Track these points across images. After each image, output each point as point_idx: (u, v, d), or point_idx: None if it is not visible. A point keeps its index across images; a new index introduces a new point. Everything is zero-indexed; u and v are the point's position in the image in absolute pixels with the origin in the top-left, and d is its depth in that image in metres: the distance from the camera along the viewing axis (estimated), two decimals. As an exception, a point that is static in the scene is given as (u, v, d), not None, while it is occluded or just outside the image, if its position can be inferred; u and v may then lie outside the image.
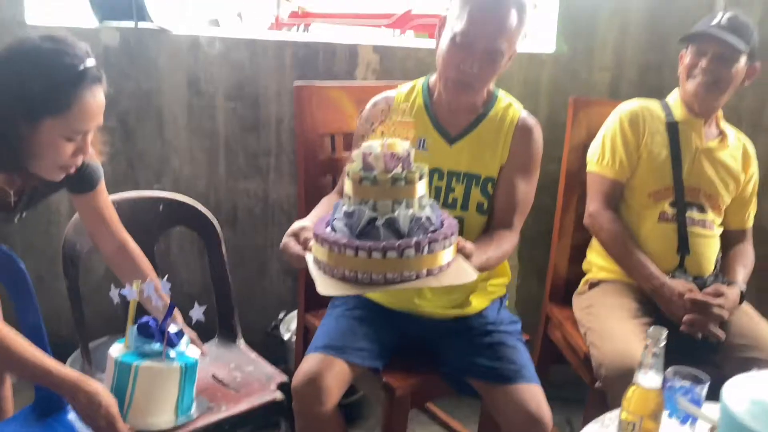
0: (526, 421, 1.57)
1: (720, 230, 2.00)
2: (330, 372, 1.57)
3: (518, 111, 1.75)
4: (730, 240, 2.04)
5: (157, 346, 1.39)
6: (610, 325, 1.81)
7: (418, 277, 1.22)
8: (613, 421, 1.29)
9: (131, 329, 1.39)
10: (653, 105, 2.01)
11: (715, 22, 1.86)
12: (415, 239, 1.20)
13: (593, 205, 1.98)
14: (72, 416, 1.49)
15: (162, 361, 1.38)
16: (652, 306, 1.87)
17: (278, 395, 1.68)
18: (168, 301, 1.47)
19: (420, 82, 1.79)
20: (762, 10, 2.26)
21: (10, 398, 1.71)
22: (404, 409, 1.71)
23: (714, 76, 1.87)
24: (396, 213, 1.20)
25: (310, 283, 1.78)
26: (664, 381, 1.31)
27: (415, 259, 1.21)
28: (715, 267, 1.97)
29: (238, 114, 2.48)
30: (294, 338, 2.22)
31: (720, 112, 2.01)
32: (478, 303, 1.77)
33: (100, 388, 1.31)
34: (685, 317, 1.78)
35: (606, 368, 1.71)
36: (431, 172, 1.70)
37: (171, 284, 1.46)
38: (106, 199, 1.63)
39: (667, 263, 1.91)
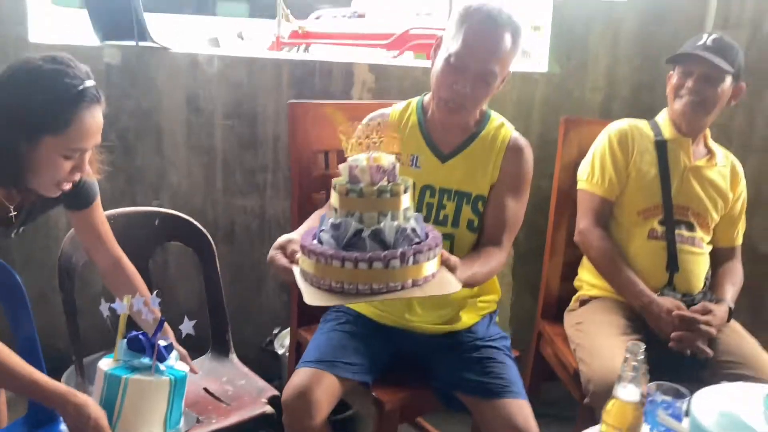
0: (514, 436, 1.58)
1: (709, 248, 2.02)
2: (320, 386, 1.59)
3: (510, 131, 1.78)
4: (719, 258, 2.05)
5: (146, 359, 1.40)
6: (599, 341, 1.83)
7: (403, 287, 1.25)
8: (596, 435, 1.30)
9: (121, 343, 1.40)
10: (642, 124, 2.04)
11: (700, 43, 1.90)
12: (400, 250, 1.22)
13: (583, 222, 2.00)
14: (64, 428, 1.50)
15: (151, 374, 1.39)
16: (641, 323, 1.89)
17: (268, 409, 1.70)
18: (158, 315, 1.49)
19: (415, 101, 1.82)
20: (750, 32, 2.29)
21: (3, 411, 1.73)
22: (394, 424, 1.72)
23: (700, 96, 1.90)
24: (382, 224, 1.23)
25: (302, 298, 1.81)
26: (647, 395, 1.33)
27: (400, 270, 1.23)
28: (705, 284, 1.99)
29: (236, 131, 2.52)
30: (288, 353, 2.24)
31: (708, 132, 2.04)
32: (468, 318, 1.79)
33: (89, 401, 1.33)
34: (673, 334, 1.80)
35: (594, 384, 1.72)
36: (423, 189, 1.74)
37: (161, 299, 1.48)
38: (102, 216, 1.66)
39: (656, 280, 1.92)
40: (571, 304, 2.12)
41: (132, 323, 1.62)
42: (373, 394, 1.68)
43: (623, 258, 1.95)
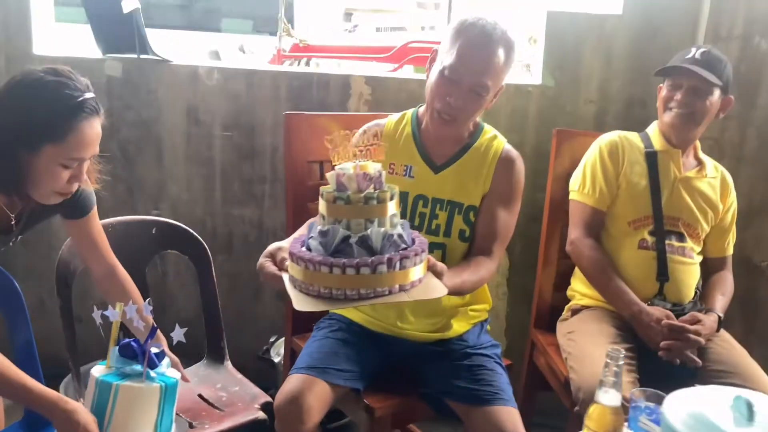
0: (503, 443, 1.60)
1: (700, 258, 2.04)
2: (311, 392, 1.61)
3: (502, 143, 1.81)
4: (709, 268, 2.08)
5: (138, 366, 1.41)
6: (589, 350, 1.84)
7: (390, 292, 1.27)
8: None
9: (113, 350, 1.41)
10: (632, 136, 2.07)
11: (689, 56, 1.93)
12: (387, 256, 1.25)
13: (574, 232, 2.03)
14: (58, 432, 1.53)
15: (142, 381, 1.39)
16: (632, 332, 1.90)
17: (261, 415, 1.72)
18: (151, 322, 1.51)
19: (410, 112, 1.86)
20: (740, 45, 2.33)
21: (0, 415, 1.75)
22: (385, 430, 1.74)
23: (689, 108, 1.93)
24: (369, 231, 1.26)
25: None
26: (630, 401, 1.35)
27: (387, 275, 1.26)
28: (695, 294, 2.01)
29: (235, 143, 2.56)
30: (284, 361, 2.26)
31: (698, 143, 2.07)
32: (459, 327, 1.82)
33: (79, 408, 1.34)
34: (663, 343, 1.82)
35: (584, 392, 1.74)
36: (416, 199, 1.77)
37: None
38: (98, 226, 1.69)
39: (646, 290, 1.95)
40: (563, 313, 2.14)
41: (128, 331, 1.65)
42: (365, 400, 1.70)
43: (614, 268, 1.97)
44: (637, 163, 2.01)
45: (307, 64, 5.82)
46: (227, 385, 1.87)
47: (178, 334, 1.44)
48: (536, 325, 2.25)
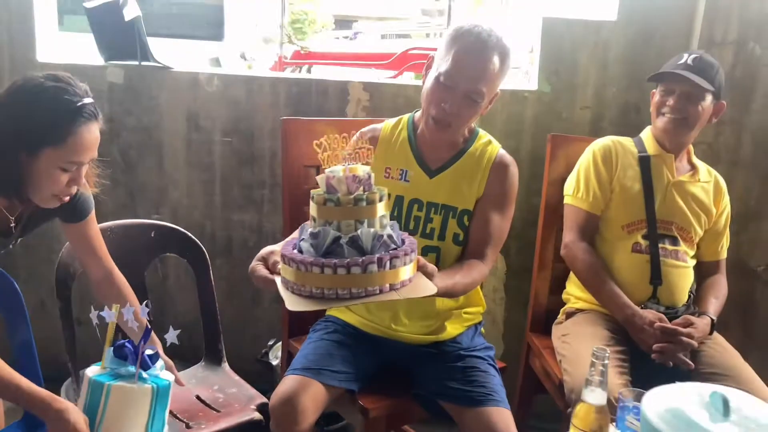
0: (495, 443, 1.62)
1: (693, 262, 2.05)
2: (306, 393, 1.63)
3: (496, 148, 1.83)
4: (703, 272, 2.09)
5: (132, 367, 1.42)
6: (582, 352, 1.86)
7: (381, 291, 1.29)
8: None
9: (108, 351, 1.43)
10: (626, 141, 2.09)
11: (681, 62, 1.95)
12: (377, 255, 1.27)
13: (568, 236, 2.05)
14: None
15: (134, 382, 1.40)
16: (625, 335, 1.92)
17: (256, 415, 1.74)
18: (144, 324, 1.52)
19: (406, 117, 1.88)
20: (734, 51, 2.35)
21: (1, 414, 1.77)
22: (379, 431, 1.76)
23: (682, 113, 1.95)
24: (359, 232, 1.29)
25: (293, 311, 1.86)
26: (619, 401, 1.37)
27: (378, 275, 1.28)
28: (689, 298, 2.02)
29: (235, 148, 2.59)
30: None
31: (691, 147, 2.09)
32: (452, 329, 1.84)
33: (71, 407, 1.36)
34: (655, 346, 1.83)
35: (576, 394, 1.75)
36: (411, 203, 1.79)
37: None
38: (96, 229, 1.72)
39: (640, 293, 1.96)
40: (558, 316, 2.15)
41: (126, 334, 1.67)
42: (359, 401, 1.72)
43: (607, 271, 1.98)
44: (630, 167, 2.03)
45: (309, 71, 5.86)
46: (224, 386, 1.90)
47: (172, 336, 1.45)
48: (532, 329, 2.27)
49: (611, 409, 1.36)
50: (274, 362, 2.44)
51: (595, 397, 1.22)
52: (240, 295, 2.71)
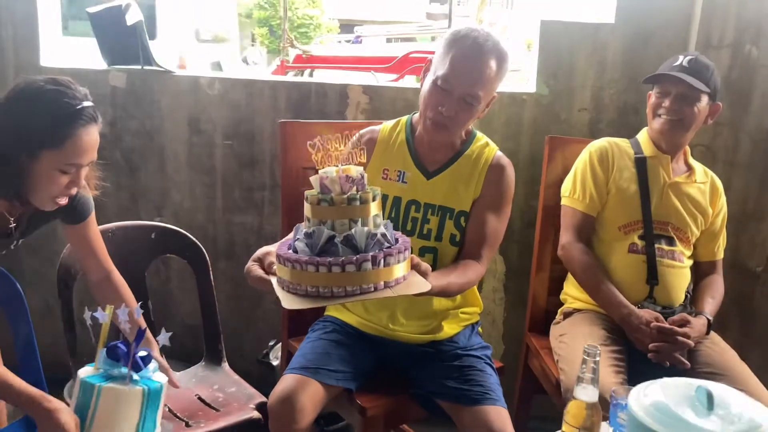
0: (492, 441, 1.63)
1: (690, 262, 2.06)
2: (304, 392, 1.65)
3: (494, 150, 1.85)
4: (700, 272, 2.10)
5: (125, 369, 1.42)
6: (579, 352, 1.85)
7: (375, 288, 1.31)
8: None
9: (101, 352, 1.43)
10: (622, 142, 2.10)
11: (676, 64, 1.96)
12: (371, 253, 1.29)
13: (565, 237, 2.06)
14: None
15: (126, 383, 1.40)
16: (622, 334, 1.93)
17: (255, 414, 1.76)
18: (140, 326, 1.53)
19: (404, 119, 1.90)
20: (731, 53, 2.36)
21: (3, 412, 1.80)
22: (377, 430, 1.77)
23: (678, 115, 1.97)
24: (353, 230, 1.31)
25: (293, 311, 1.87)
26: (612, 398, 1.38)
27: (372, 272, 1.30)
28: (686, 298, 2.03)
29: (235, 151, 2.62)
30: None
31: (687, 149, 2.10)
32: (449, 329, 1.85)
33: (61, 407, 1.38)
34: (651, 345, 1.84)
35: (572, 392, 1.76)
36: (409, 204, 1.81)
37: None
38: (96, 231, 1.74)
39: (637, 293, 1.97)
40: (556, 317, 2.17)
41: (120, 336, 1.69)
42: (357, 401, 1.74)
43: (604, 271, 2.00)
44: (626, 168, 2.05)
45: (311, 74, 5.89)
46: (224, 385, 1.92)
47: (164, 338, 1.47)
48: (531, 329, 2.28)
49: (606, 407, 1.38)
50: (275, 363, 2.46)
51: (587, 394, 1.23)
52: (242, 297, 2.73)
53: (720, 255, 2.12)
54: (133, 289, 1.82)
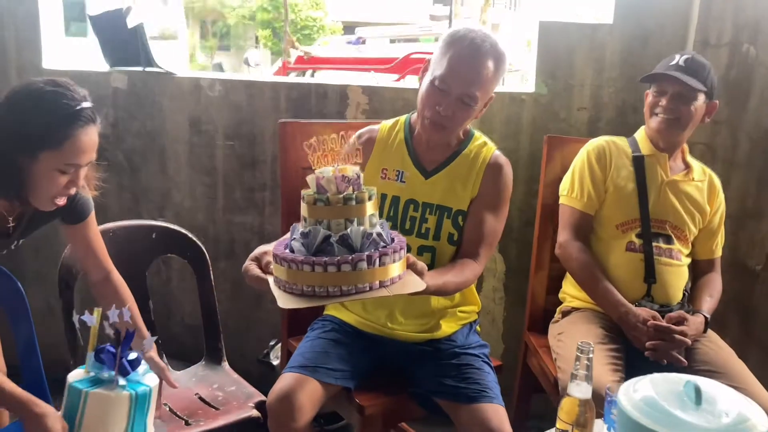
0: (489, 439, 1.64)
1: (688, 260, 2.07)
2: (303, 390, 1.66)
3: (491, 149, 1.86)
4: (698, 270, 2.11)
5: (113, 373, 1.42)
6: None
7: (371, 288, 1.32)
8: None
9: (89, 355, 1.43)
10: (620, 141, 2.11)
11: (673, 63, 1.97)
12: (367, 253, 1.31)
13: (563, 235, 2.07)
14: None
15: (113, 388, 1.39)
16: (620, 333, 1.94)
17: (254, 413, 1.77)
18: (132, 329, 1.53)
19: (403, 118, 1.91)
20: (729, 52, 2.36)
21: (5, 412, 1.81)
22: (376, 428, 1.78)
23: (675, 113, 1.97)
24: (348, 230, 1.32)
25: (292, 310, 1.88)
26: (606, 395, 1.38)
27: (367, 272, 1.31)
28: (684, 296, 2.04)
29: (236, 152, 2.64)
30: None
31: (685, 147, 2.10)
32: (447, 327, 1.86)
33: (49, 412, 1.38)
34: (648, 343, 1.85)
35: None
36: (407, 203, 1.82)
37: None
38: (96, 231, 1.75)
39: (634, 292, 1.98)
40: (555, 315, 2.17)
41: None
42: (356, 399, 1.75)
43: (602, 270, 2.00)
44: (624, 167, 2.06)
45: (312, 75, 5.92)
46: (224, 384, 1.93)
47: (149, 343, 1.48)
48: (530, 328, 2.29)
49: (602, 405, 1.38)
50: (275, 362, 2.47)
51: (580, 390, 1.24)
52: (243, 297, 2.74)
53: (718, 253, 2.13)
54: (134, 289, 1.83)
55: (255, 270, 1.49)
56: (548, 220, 2.24)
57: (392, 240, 1.38)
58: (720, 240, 2.13)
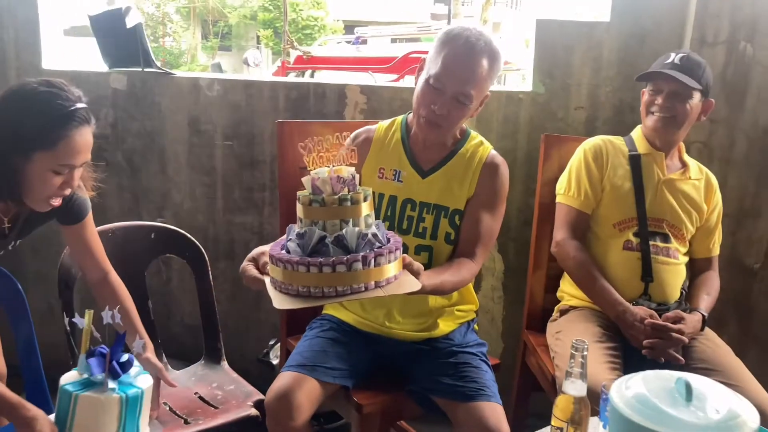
0: (486, 437, 1.64)
1: (685, 259, 2.07)
2: (301, 389, 1.67)
3: (488, 149, 1.86)
4: (696, 268, 2.11)
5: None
6: (574, 348, 1.88)
7: (366, 288, 1.33)
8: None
9: (81, 357, 1.42)
10: (616, 140, 2.12)
11: (668, 61, 1.98)
12: (362, 254, 1.31)
13: (560, 234, 2.07)
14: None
15: (103, 391, 1.39)
16: (617, 331, 1.94)
17: (253, 411, 1.78)
18: (122, 331, 1.53)
19: (400, 118, 1.92)
20: (726, 51, 2.36)
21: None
22: (373, 427, 1.79)
23: (670, 112, 1.98)
24: (344, 231, 1.32)
25: (290, 310, 1.89)
26: (601, 393, 1.39)
27: (362, 272, 1.32)
28: (681, 294, 2.04)
29: (235, 152, 2.64)
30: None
31: (682, 145, 2.11)
32: (445, 326, 1.87)
33: (39, 415, 1.38)
34: (646, 342, 1.85)
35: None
36: (404, 203, 1.83)
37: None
38: (93, 232, 1.76)
39: (632, 290, 1.98)
40: (553, 314, 2.18)
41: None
42: (354, 398, 1.76)
43: (598, 269, 2.01)
44: (620, 166, 2.06)
45: (312, 75, 5.92)
46: (223, 384, 1.94)
47: (138, 345, 1.49)
48: (528, 327, 2.29)
49: (598, 403, 1.39)
50: (275, 361, 2.48)
51: (575, 388, 1.25)
52: (242, 297, 2.75)
53: (716, 251, 2.13)
54: (133, 289, 1.84)
55: (252, 271, 1.50)
56: (546, 219, 2.25)
57: (388, 240, 1.39)
58: (717, 238, 2.13)
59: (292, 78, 5.07)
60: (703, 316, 1.96)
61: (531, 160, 2.49)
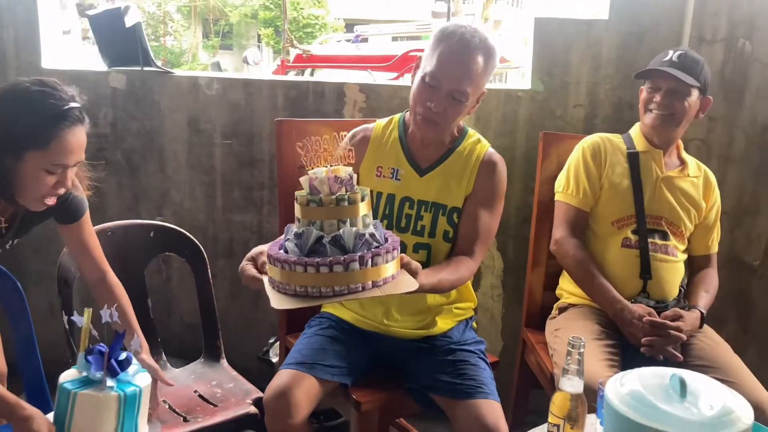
0: (484, 435, 1.65)
1: (684, 256, 2.08)
2: (299, 387, 1.67)
3: (485, 146, 1.86)
4: (694, 266, 2.11)
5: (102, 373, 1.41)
6: (573, 346, 1.89)
7: (363, 288, 1.33)
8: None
9: (79, 356, 1.42)
10: (615, 138, 2.12)
11: (666, 59, 1.98)
12: (359, 254, 1.32)
13: (558, 232, 2.08)
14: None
15: (102, 389, 1.38)
16: (616, 329, 1.95)
17: (252, 409, 1.78)
18: (121, 330, 1.53)
19: (397, 117, 1.92)
20: (725, 48, 2.37)
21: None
22: (372, 424, 1.79)
23: (669, 109, 1.98)
24: (341, 231, 1.33)
25: (290, 309, 1.89)
26: (599, 390, 1.39)
27: (360, 272, 1.32)
28: (680, 292, 2.04)
29: (234, 151, 2.65)
30: (281, 361, 2.33)
31: (680, 143, 2.11)
32: (443, 324, 1.87)
33: (37, 415, 1.38)
34: (644, 339, 1.86)
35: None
36: (402, 201, 1.83)
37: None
38: (90, 231, 1.75)
39: (630, 288, 1.99)
40: (552, 312, 2.18)
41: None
42: (352, 395, 1.76)
43: (597, 266, 2.01)
44: (619, 164, 2.06)
45: (312, 74, 5.92)
46: (222, 382, 1.95)
47: (136, 344, 1.49)
48: (527, 324, 2.30)
49: (596, 400, 1.39)
50: (274, 360, 2.49)
51: (572, 385, 1.25)
52: (242, 295, 2.76)
53: (714, 249, 2.14)
54: (132, 288, 1.84)
55: (251, 270, 1.51)
56: (545, 217, 2.25)
57: (386, 240, 1.39)
58: (716, 236, 2.13)
59: (291, 77, 5.07)
60: (702, 313, 1.96)
61: (530, 158, 2.49)
